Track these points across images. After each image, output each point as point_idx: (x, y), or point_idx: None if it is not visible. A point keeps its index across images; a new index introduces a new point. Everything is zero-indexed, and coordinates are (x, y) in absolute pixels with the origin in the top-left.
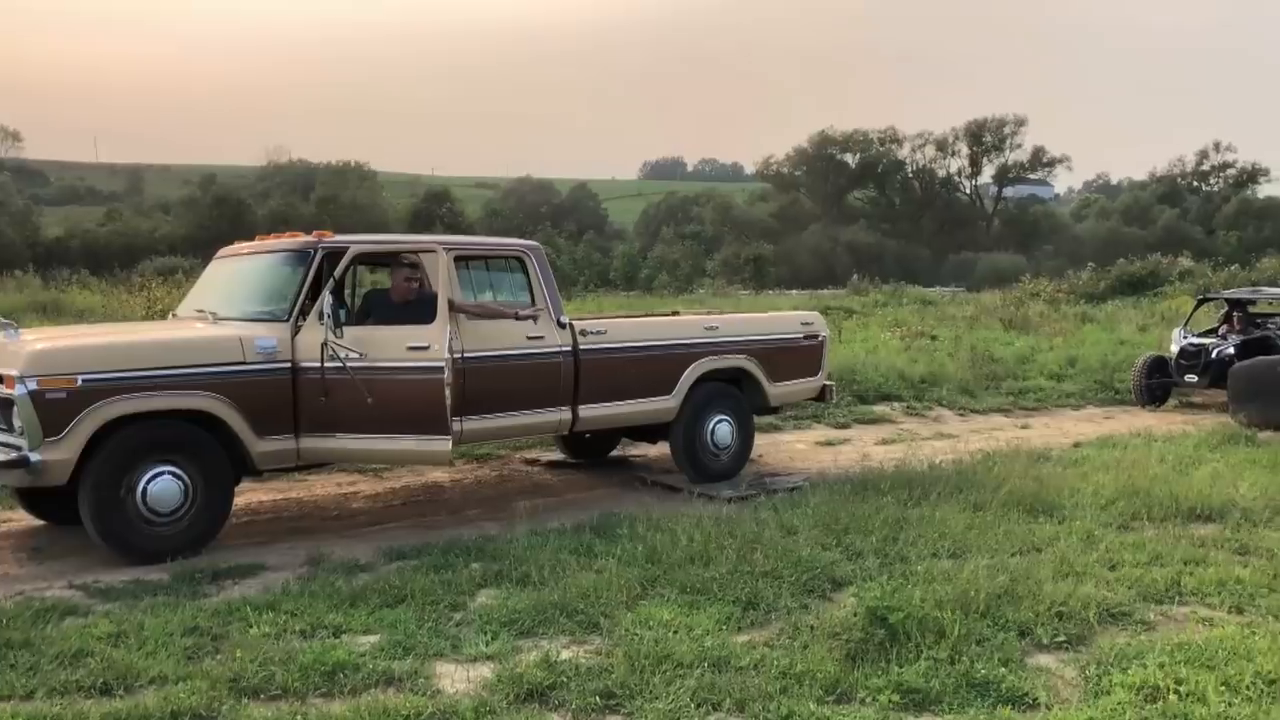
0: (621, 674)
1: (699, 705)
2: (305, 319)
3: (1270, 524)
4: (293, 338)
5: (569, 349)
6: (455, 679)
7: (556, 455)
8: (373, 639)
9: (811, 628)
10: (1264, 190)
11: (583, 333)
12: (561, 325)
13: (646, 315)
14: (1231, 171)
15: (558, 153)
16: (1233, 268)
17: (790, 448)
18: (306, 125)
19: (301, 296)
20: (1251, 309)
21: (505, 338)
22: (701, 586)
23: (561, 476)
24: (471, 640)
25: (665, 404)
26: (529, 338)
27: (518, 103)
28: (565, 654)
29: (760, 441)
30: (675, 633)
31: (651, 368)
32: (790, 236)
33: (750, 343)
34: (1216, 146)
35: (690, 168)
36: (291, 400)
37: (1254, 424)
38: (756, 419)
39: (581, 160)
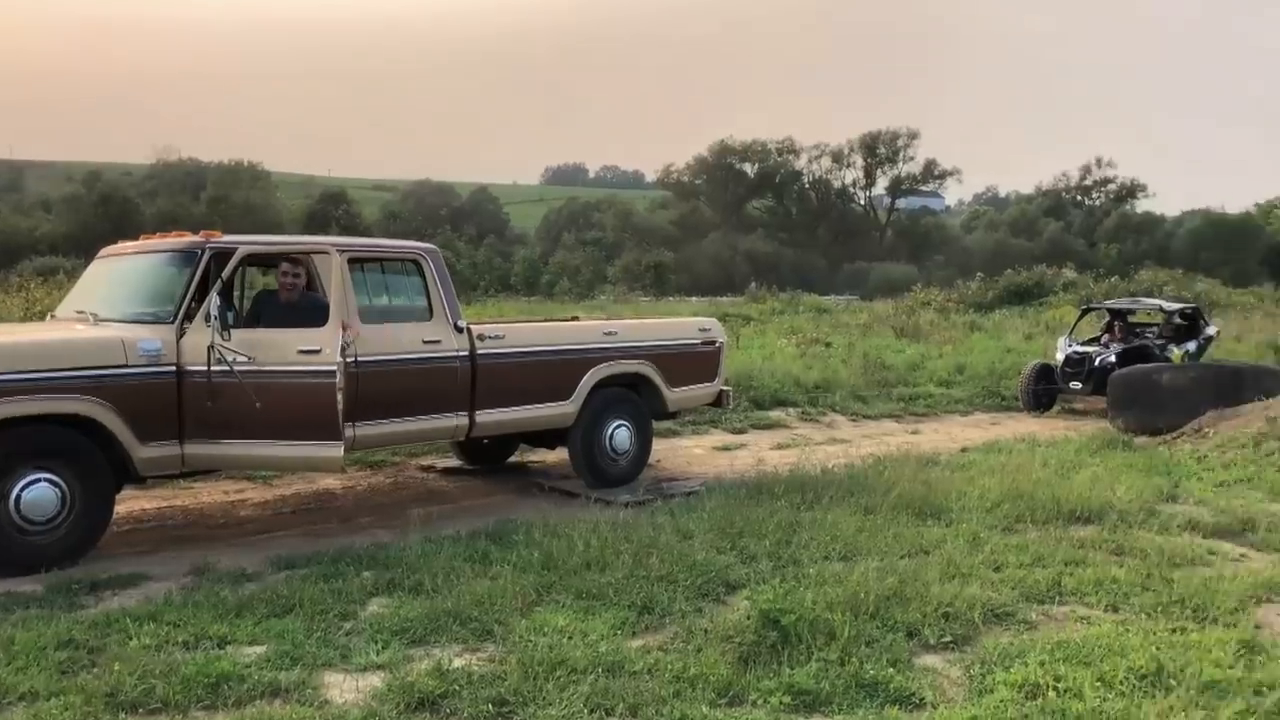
0: (515, 681)
1: (592, 711)
2: (191, 321)
3: (1145, 525)
4: (178, 340)
5: (466, 353)
6: (344, 689)
7: (453, 461)
8: (259, 650)
9: (705, 631)
10: (1142, 205)
11: (480, 337)
12: (459, 330)
13: (546, 320)
14: (1112, 187)
15: (459, 156)
16: (1113, 279)
17: (688, 452)
18: (197, 124)
19: (188, 298)
20: (1131, 319)
21: (400, 341)
22: (597, 592)
23: (458, 483)
24: (362, 650)
25: (563, 409)
26: (425, 342)
27: (418, 105)
28: (458, 662)
29: (659, 446)
30: (570, 639)
31: (550, 373)
32: (690, 244)
33: (649, 348)
34: (1098, 162)
35: (592, 174)
36: (176, 405)
37: (1131, 429)
38: (655, 424)
39: (483, 164)
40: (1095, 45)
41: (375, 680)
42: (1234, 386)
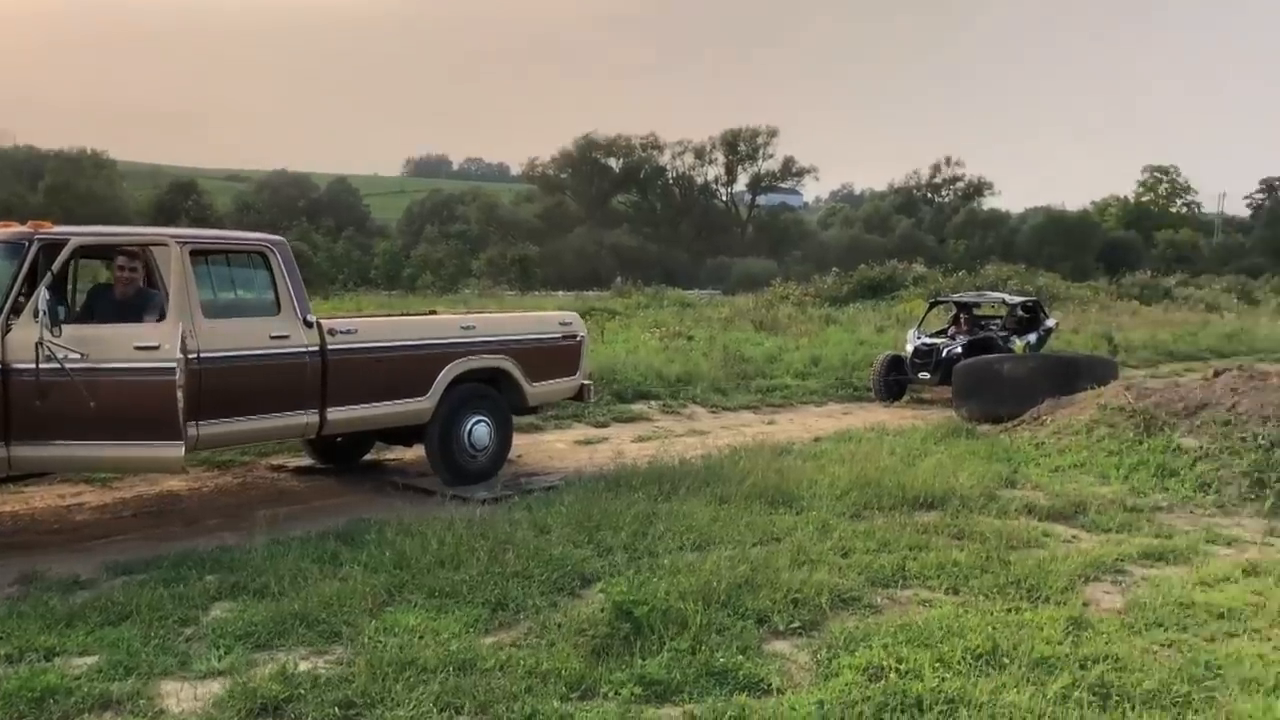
0: (362, 683)
1: (442, 710)
2: (19, 316)
3: (985, 510)
4: (3, 336)
5: (316, 349)
6: (182, 698)
7: (305, 460)
8: (90, 660)
9: (559, 625)
10: (989, 203)
11: (331, 332)
12: (308, 324)
13: (402, 314)
14: (960, 185)
15: (317, 146)
16: (960, 273)
17: (550, 447)
18: (35, 108)
19: (14, 292)
20: (976, 312)
21: (246, 337)
22: (450, 590)
23: (309, 483)
24: (202, 656)
25: (420, 405)
26: (272, 337)
27: (274, 92)
28: (304, 665)
29: (520, 441)
30: (421, 638)
31: (405, 368)
32: (556, 238)
33: (508, 342)
34: (947, 161)
35: (456, 166)
36: (2, 404)
37: (974, 418)
38: (516, 419)
39: (342, 154)
40: (947, 46)
41: (216, 687)
42: (1069, 376)
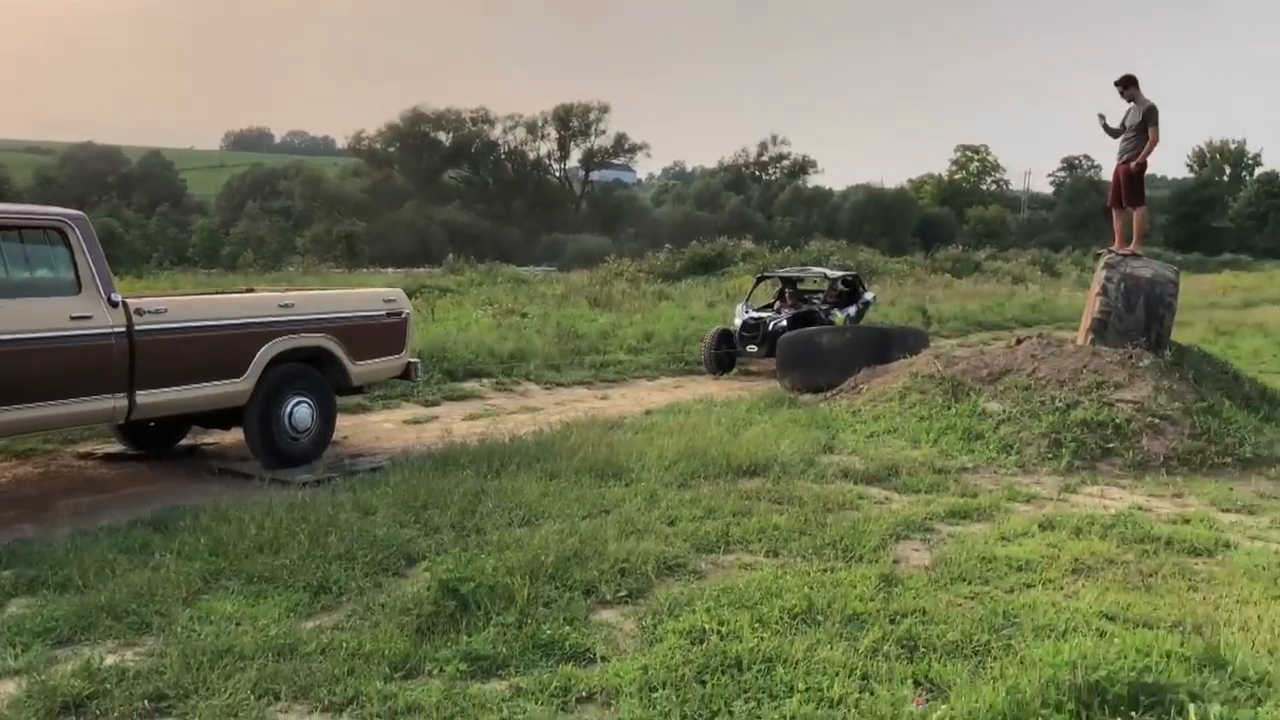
0: (175, 673)
1: (260, 696)
2: None
3: (804, 475)
4: None
5: (122, 330)
6: None
7: (116, 447)
8: None
9: (383, 606)
10: (813, 180)
11: (138, 312)
12: (113, 304)
13: (217, 293)
14: (786, 163)
15: (128, 118)
16: (786, 249)
17: (377, 427)
18: None
19: None
20: (800, 286)
21: (42, 318)
22: (270, 575)
23: (120, 470)
24: None
25: (236, 387)
26: (72, 318)
27: (76, 60)
28: (110, 659)
29: (346, 422)
30: (238, 624)
31: (220, 349)
32: (385, 214)
33: (329, 321)
34: (773, 140)
35: (278, 139)
36: None
37: (797, 388)
38: (341, 399)
39: (156, 127)
40: (773, 26)
41: (12, 687)
42: (884, 346)
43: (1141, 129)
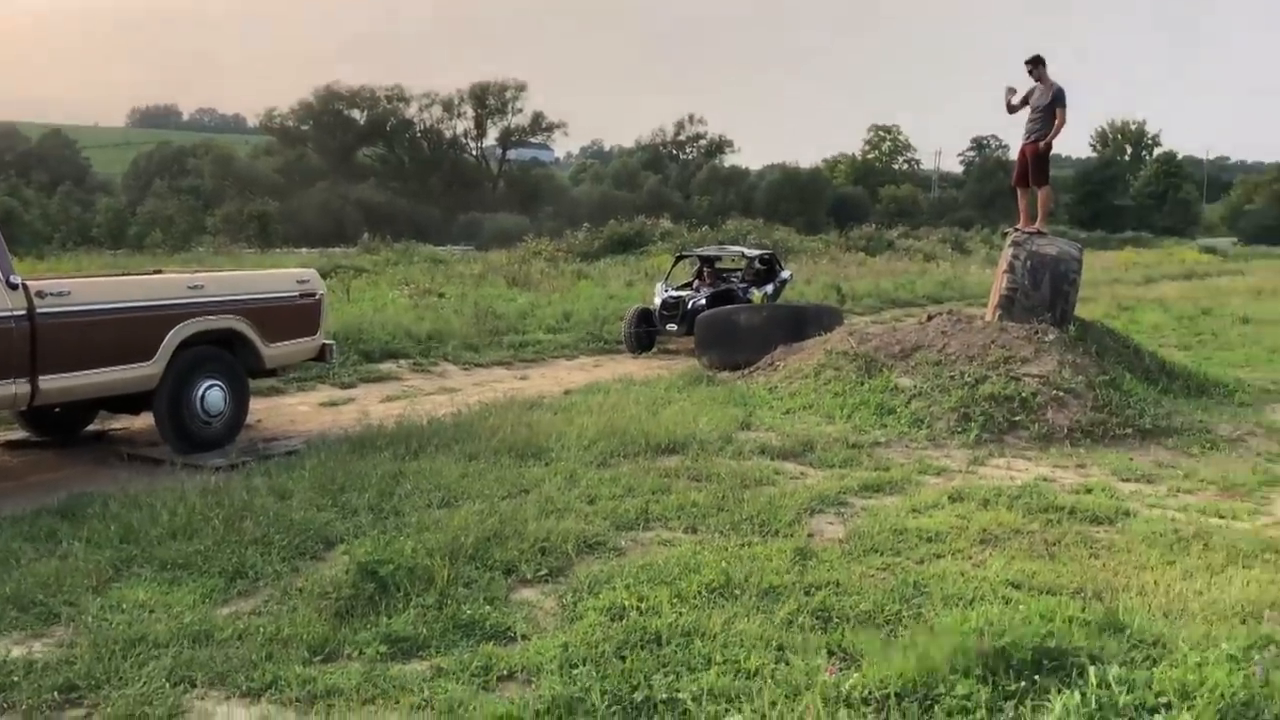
0: (86, 664)
1: (175, 684)
2: None
3: (722, 452)
4: None
5: (23, 313)
6: None
7: (19, 434)
8: None
9: (301, 590)
10: (730, 159)
11: (40, 294)
12: (13, 286)
13: (123, 274)
14: (703, 142)
15: (27, 93)
16: (704, 228)
17: (293, 410)
18: None
19: None
20: (718, 265)
21: None
22: (184, 562)
23: (24, 457)
24: None
25: (145, 371)
26: None
27: None
28: (17, 651)
29: (261, 405)
30: (151, 612)
31: (127, 332)
32: (298, 193)
33: (241, 302)
34: (690, 119)
35: (186, 117)
36: None
37: (715, 366)
38: (254, 382)
39: (57, 103)
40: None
41: None
42: (799, 324)
43: (1049, 110)
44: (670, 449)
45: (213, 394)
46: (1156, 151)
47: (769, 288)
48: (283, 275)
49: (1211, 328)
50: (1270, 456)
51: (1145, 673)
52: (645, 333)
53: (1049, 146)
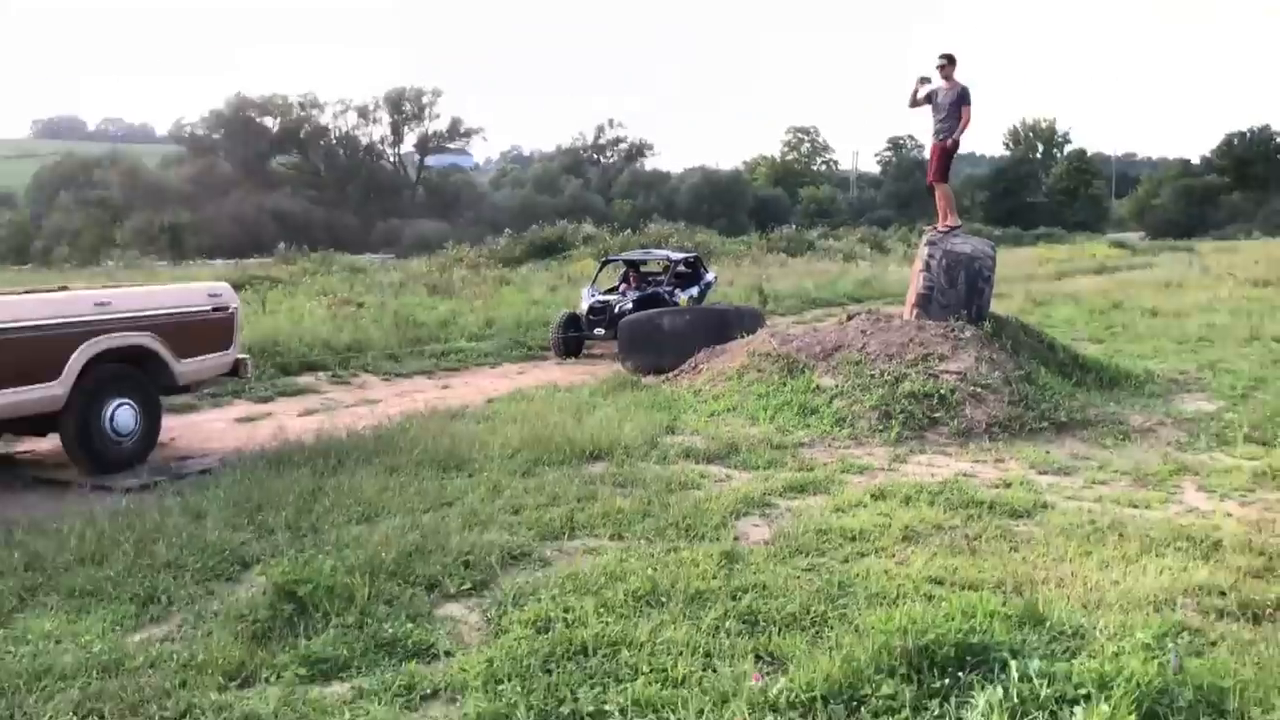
0: None
1: (83, 717)
2: None
3: (647, 458)
4: None
5: None
6: None
7: None
8: None
9: (216, 614)
10: (651, 163)
11: None
12: None
13: (25, 292)
14: (624, 146)
15: None
16: (627, 232)
17: (208, 427)
18: None
19: None
20: (644, 268)
21: None
22: (93, 588)
23: None
24: None
25: (49, 392)
26: None
27: None
28: None
29: (174, 422)
30: (58, 643)
31: (28, 352)
32: (211, 203)
33: (150, 318)
34: (610, 123)
35: (92, 127)
36: None
37: (639, 370)
38: (167, 400)
39: None
40: (606, 11)
41: None
42: (722, 326)
43: (955, 108)
44: (595, 456)
45: (123, 413)
46: (1067, 149)
47: (694, 290)
48: (194, 290)
49: (1122, 320)
50: (1179, 445)
51: (1065, 665)
52: (573, 338)
53: (957, 144)
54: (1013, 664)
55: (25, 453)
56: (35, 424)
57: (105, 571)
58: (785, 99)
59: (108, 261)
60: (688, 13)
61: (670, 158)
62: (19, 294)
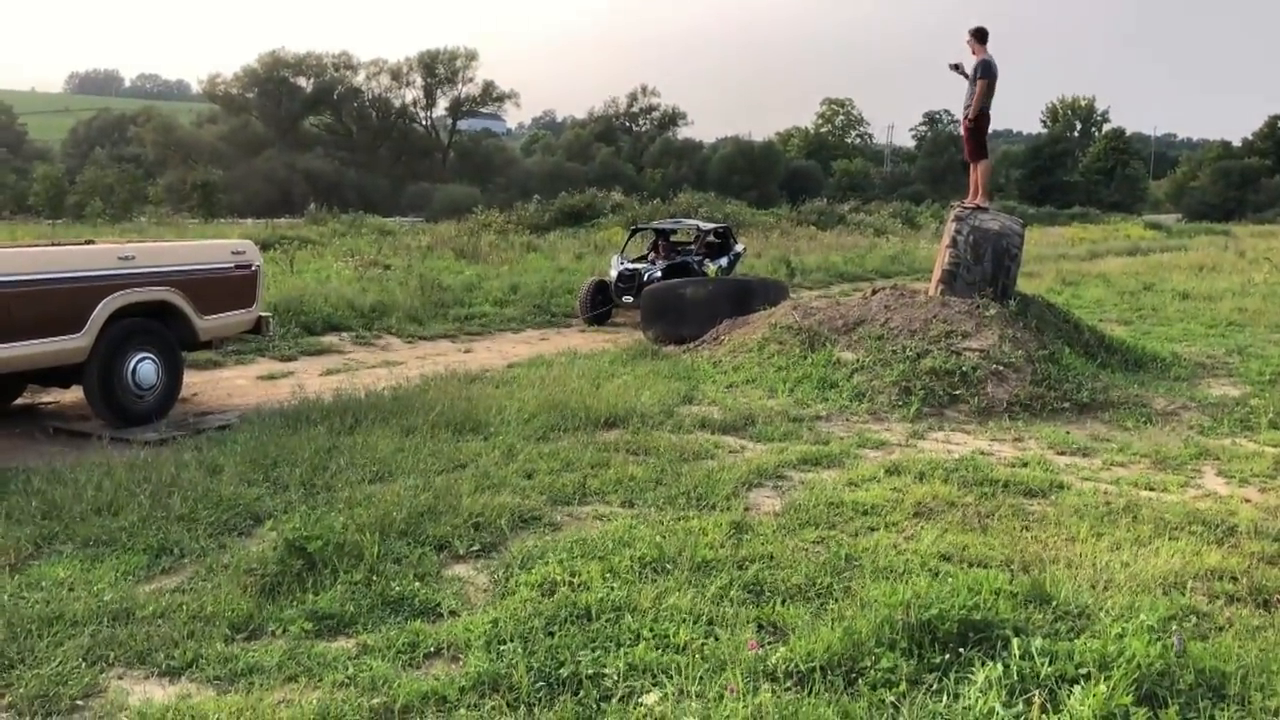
0: None
1: (92, 663)
2: None
3: (662, 426)
4: None
5: None
6: None
7: None
8: None
9: (226, 567)
10: (683, 132)
11: None
12: None
13: (50, 244)
14: (656, 115)
15: None
16: (656, 201)
17: (230, 384)
18: None
19: None
20: (673, 238)
21: None
22: (107, 538)
23: None
24: None
25: (74, 344)
26: None
27: None
28: None
29: (197, 379)
30: (71, 590)
31: (54, 303)
32: (243, 162)
33: (174, 274)
34: (644, 90)
35: (128, 83)
36: None
37: (661, 339)
38: (190, 355)
39: None
40: None
41: None
42: (745, 298)
43: (974, 82)
44: (611, 423)
45: (145, 367)
46: (1105, 128)
47: (723, 261)
48: (218, 246)
49: (1152, 303)
50: (1202, 429)
51: (1068, 644)
52: (601, 305)
53: (984, 118)
54: (1015, 641)
55: (49, 404)
56: (60, 375)
57: (120, 522)
58: (821, 71)
59: (140, 218)
60: None
61: (703, 127)
62: (45, 246)
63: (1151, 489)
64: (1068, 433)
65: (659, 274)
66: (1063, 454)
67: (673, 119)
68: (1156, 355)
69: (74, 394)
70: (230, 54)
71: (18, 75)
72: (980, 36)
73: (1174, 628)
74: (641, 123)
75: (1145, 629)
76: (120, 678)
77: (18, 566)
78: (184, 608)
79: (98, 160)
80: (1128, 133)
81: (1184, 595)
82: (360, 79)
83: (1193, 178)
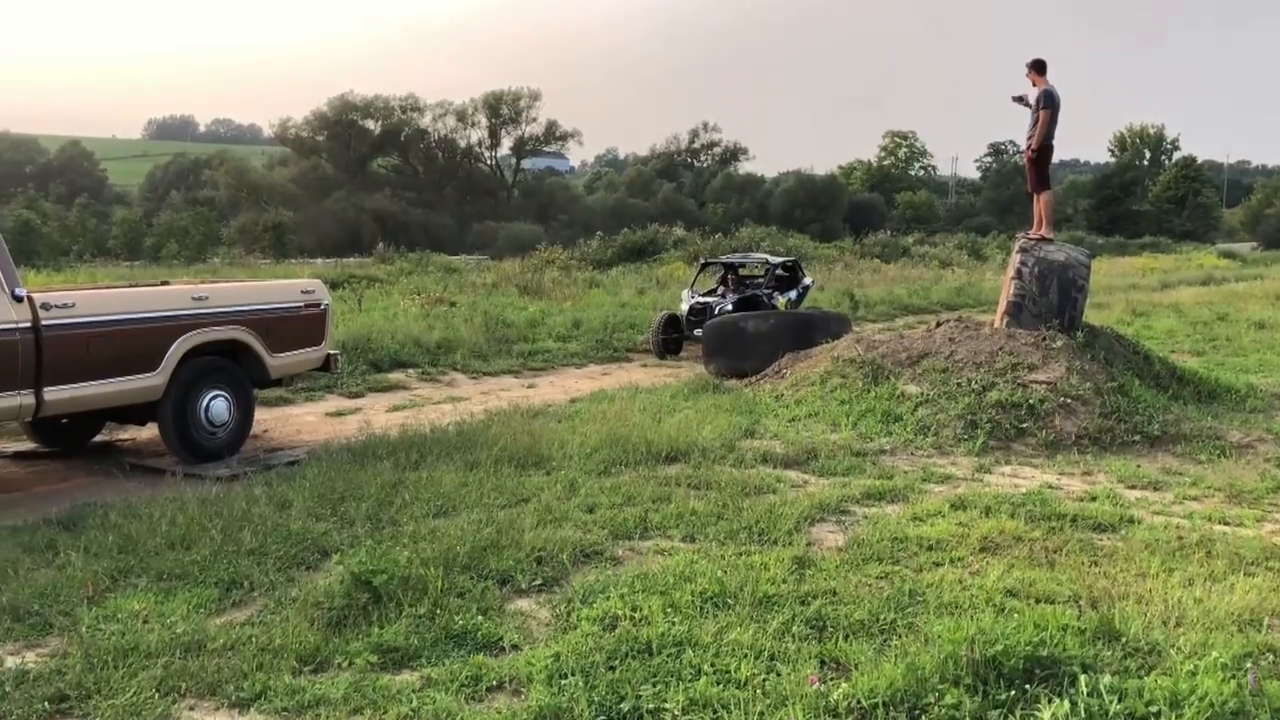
0: (77, 674)
1: (165, 694)
2: None
3: (724, 460)
4: None
5: (28, 325)
6: None
7: (27, 445)
8: None
9: (294, 600)
10: (744, 167)
11: (45, 306)
12: (18, 299)
13: (129, 286)
14: (717, 150)
15: (46, 106)
16: (717, 236)
17: (299, 420)
18: None
19: None
20: (742, 272)
21: None
22: (180, 572)
23: (30, 469)
24: None
25: (149, 382)
26: None
27: None
28: (11, 662)
29: (268, 415)
30: (145, 623)
31: (131, 343)
32: (313, 204)
33: (246, 313)
34: (705, 126)
35: (202, 128)
36: None
37: (722, 373)
38: (260, 392)
39: (74, 116)
40: (706, 11)
41: None
42: (807, 331)
43: (1036, 114)
44: (672, 457)
45: (217, 404)
46: (1176, 156)
47: (792, 294)
48: (288, 286)
49: (1226, 333)
50: (1279, 463)
51: (1137, 681)
52: (674, 338)
53: (1047, 150)
54: (1083, 678)
55: (126, 440)
56: (136, 413)
57: (192, 556)
58: (885, 104)
59: (214, 259)
60: (786, 17)
61: (764, 162)
62: (124, 288)
63: (1226, 523)
64: (1138, 466)
65: (729, 307)
66: (1133, 488)
67: (734, 154)
68: (1231, 386)
69: (150, 431)
70: (301, 98)
71: (99, 124)
72: (1039, 68)
73: (1249, 665)
74: (703, 158)
75: (1219, 666)
76: (191, 708)
77: (95, 599)
78: (253, 640)
79: (174, 203)
80: (1199, 160)
81: (1260, 632)
82: (426, 120)
83: (1268, 204)
